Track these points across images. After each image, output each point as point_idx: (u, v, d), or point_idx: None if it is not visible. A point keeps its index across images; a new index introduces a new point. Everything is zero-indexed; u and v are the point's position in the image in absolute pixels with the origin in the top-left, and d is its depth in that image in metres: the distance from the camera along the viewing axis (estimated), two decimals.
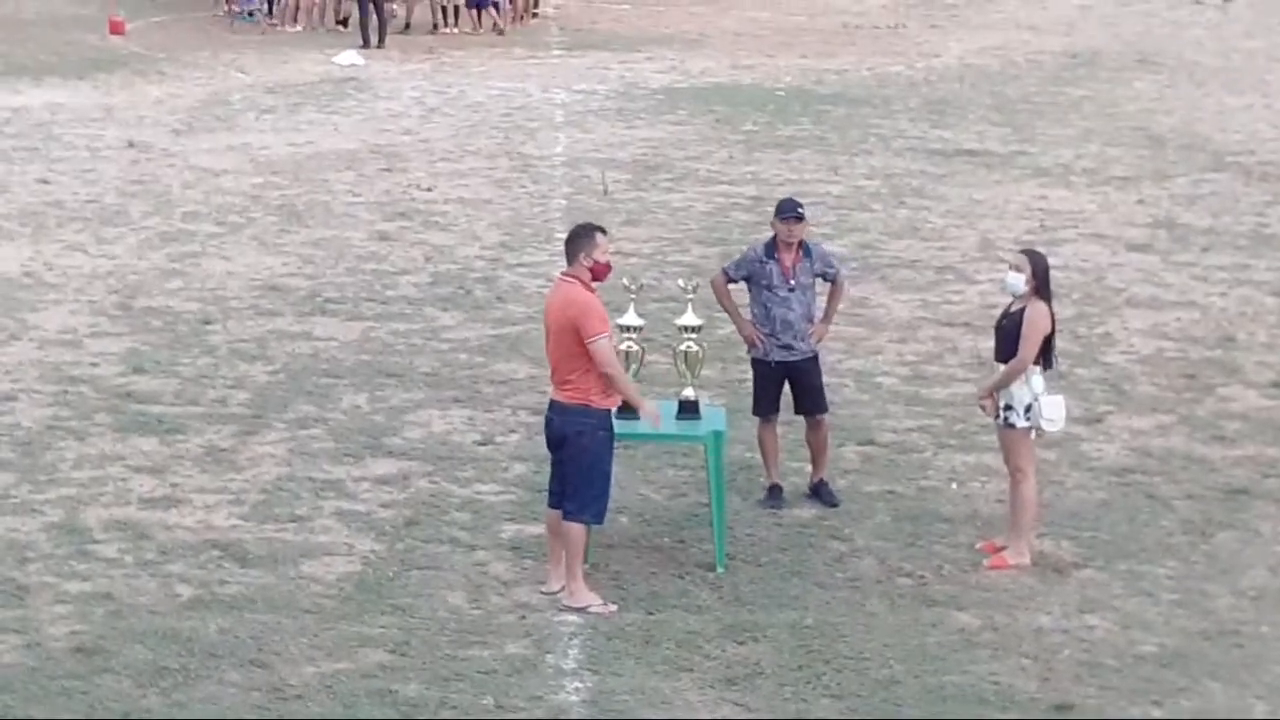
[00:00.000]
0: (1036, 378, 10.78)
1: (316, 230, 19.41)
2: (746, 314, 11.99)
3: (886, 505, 11.87)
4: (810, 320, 11.86)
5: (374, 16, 34.89)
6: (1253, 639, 10.02)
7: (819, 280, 11.98)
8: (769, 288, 11.76)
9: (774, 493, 11.87)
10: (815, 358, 11.98)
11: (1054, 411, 10.85)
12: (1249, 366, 14.94)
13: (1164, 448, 12.99)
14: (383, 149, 23.93)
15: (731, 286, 11.99)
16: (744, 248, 18.48)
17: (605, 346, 10.14)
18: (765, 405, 11.94)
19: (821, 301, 12.08)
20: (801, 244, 11.82)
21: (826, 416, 12.05)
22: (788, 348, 11.81)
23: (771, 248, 11.81)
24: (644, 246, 18.62)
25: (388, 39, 35.63)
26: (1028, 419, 10.79)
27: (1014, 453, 10.91)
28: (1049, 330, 10.81)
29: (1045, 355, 10.87)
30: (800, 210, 11.81)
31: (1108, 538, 11.35)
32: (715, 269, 17.58)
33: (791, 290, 11.74)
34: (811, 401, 11.95)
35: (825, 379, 12.36)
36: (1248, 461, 12.75)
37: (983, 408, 11.18)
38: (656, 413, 10.66)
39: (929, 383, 14.43)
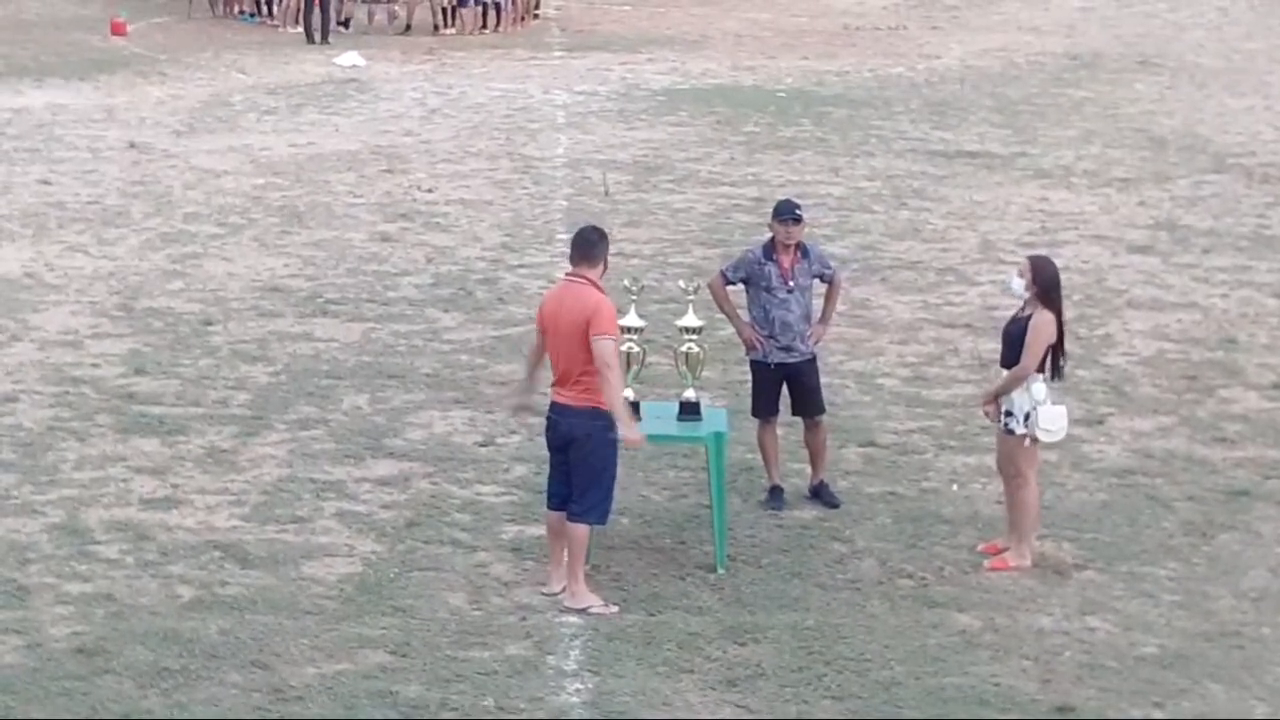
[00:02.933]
0: (1038, 385, 10.76)
1: (318, 231, 19.42)
2: (746, 316, 11.97)
3: (887, 507, 11.87)
4: (809, 321, 11.85)
5: (318, 13, 35.50)
6: (1254, 641, 10.02)
7: (817, 281, 11.95)
8: (768, 289, 11.74)
9: (775, 494, 11.87)
10: (814, 359, 11.97)
11: (1052, 422, 10.78)
12: (1250, 368, 14.94)
13: (1165, 449, 12.98)
14: (384, 150, 23.95)
15: (730, 289, 11.97)
16: (744, 249, 18.64)
17: (609, 347, 10.12)
18: (765, 407, 11.93)
19: (819, 303, 12.06)
20: (799, 245, 11.81)
21: (824, 418, 12.04)
22: (787, 349, 11.79)
23: (770, 249, 11.80)
24: (645, 248, 18.62)
25: (391, 40, 35.76)
26: (1027, 427, 10.78)
27: (1014, 458, 10.89)
28: (1054, 340, 10.77)
29: (1053, 365, 10.84)
30: (798, 212, 11.79)
31: (1109, 539, 11.35)
32: (716, 270, 17.68)
33: (790, 292, 11.72)
34: (809, 403, 11.93)
35: (826, 380, 12.36)
36: (1249, 463, 12.74)
37: (986, 414, 11.17)
38: (640, 439, 10.38)
39: (930, 384, 14.43)
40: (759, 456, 12.11)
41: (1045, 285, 10.83)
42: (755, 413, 12.00)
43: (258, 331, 15.67)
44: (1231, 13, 40.77)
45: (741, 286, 11.93)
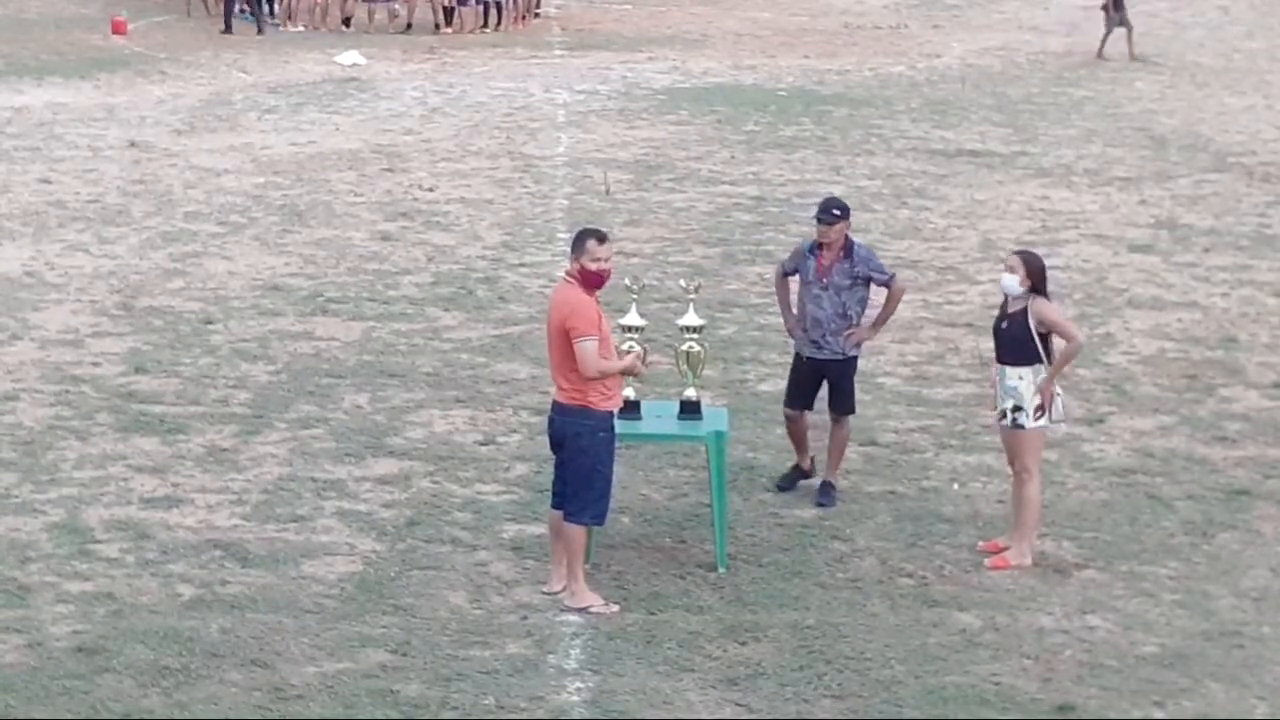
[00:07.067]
0: (1042, 378, 10.78)
1: (318, 230, 19.42)
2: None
3: (888, 505, 11.86)
4: (845, 321, 11.71)
5: (261, 5, 36.24)
6: (1254, 640, 10.01)
7: (867, 284, 11.73)
8: (806, 283, 11.77)
9: (793, 474, 11.90)
10: (847, 360, 11.83)
11: (1066, 408, 10.93)
12: (1251, 367, 14.94)
13: (1165, 448, 12.98)
14: (384, 149, 23.96)
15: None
16: (747, 248, 18.71)
17: (588, 349, 9.97)
18: (793, 397, 11.96)
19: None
20: (846, 245, 11.73)
21: (848, 419, 11.98)
22: (817, 345, 11.78)
23: (816, 244, 11.79)
24: (645, 247, 18.63)
25: (392, 39, 35.79)
26: (1037, 420, 10.78)
27: (1022, 454, 10.89)
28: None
29: (1047, 351, 10.84)
30: (835, 213, 11.65)
31: (1109, 538, 11.35)
32: (717, 269, 17.75)
33: (824, 289, 11.67)
34: (837, 401, 11.92)
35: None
36: (1249, 462, 12.74)
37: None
38: (637, 359, 10.53)
39: (930, 383, 14.43)
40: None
41: (1036, 278, 10.87)
42: (785, 401, 12.03)
43: (258, 330, 15.66)
44: (1232, 12, 40.80)
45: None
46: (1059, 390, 10.86)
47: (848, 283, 11.69)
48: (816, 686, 9.39)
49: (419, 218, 20.00)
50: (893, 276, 11.94)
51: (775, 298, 12.31)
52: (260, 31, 36.11)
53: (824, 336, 11.75)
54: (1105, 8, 33.27)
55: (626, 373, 10.44)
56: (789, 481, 11.96)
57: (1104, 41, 33.08)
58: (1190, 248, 18.95)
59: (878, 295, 11.94)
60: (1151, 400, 14.07)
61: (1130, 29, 33.04)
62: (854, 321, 11.76)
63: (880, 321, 12.00)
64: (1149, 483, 12.30)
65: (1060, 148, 24.42)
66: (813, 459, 12.06)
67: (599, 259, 10.10)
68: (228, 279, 17.33)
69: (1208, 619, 10.24)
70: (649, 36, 36.61)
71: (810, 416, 12.07)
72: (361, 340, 15.39)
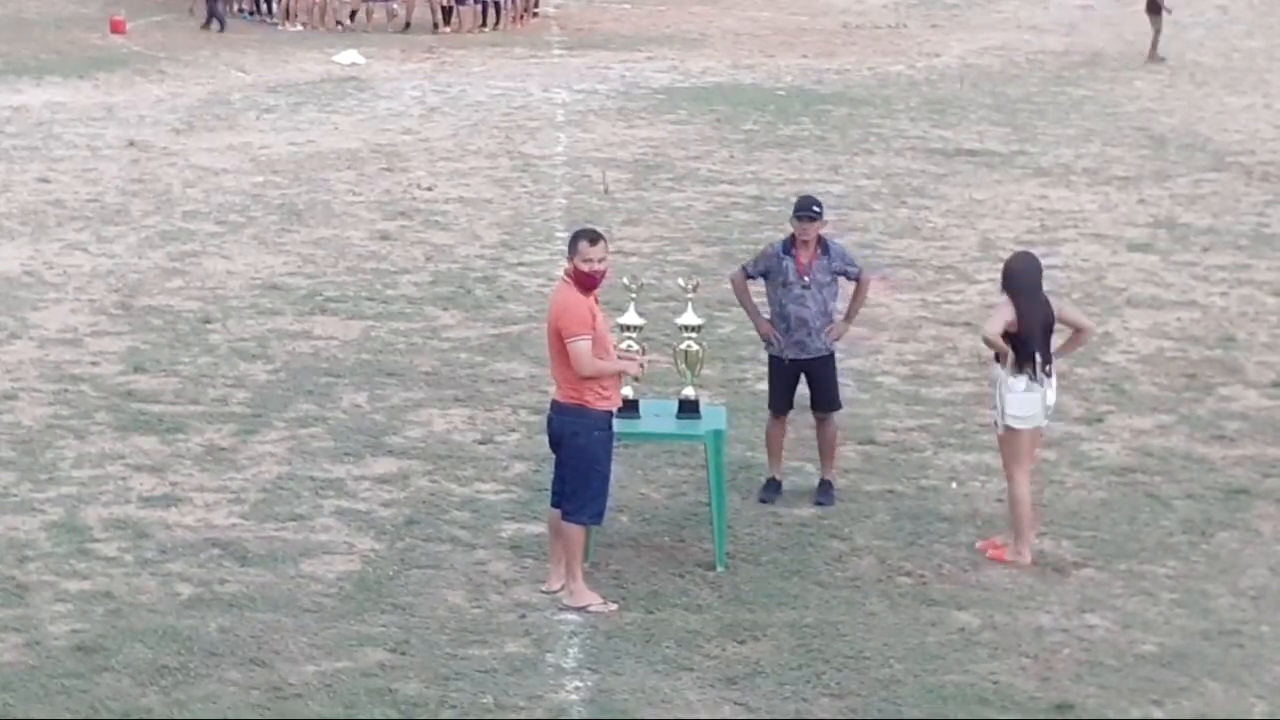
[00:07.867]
0: (1003, 376, 10.74)
1: (317, 229, 19.42)
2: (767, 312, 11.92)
3: (886, 504, 11.86)
4: (827, 318, 11.78)
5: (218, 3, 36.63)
6: (1253, 639, 10.01)
7: (841, 279, 11.82)
8: (784, 284, 11.71)
9: (770, 486, 11.88)
10: (830, 356, 11.89)
11: (1019, 408, 10.74)
12: (1249, 366, 14.94)
13: (1164, 447, 12.98)
14: (383, 148, 23.97)
15: (750, 283, 11.94)
16: (745, 247, 18.68)
17: (581, 349, 9.95)
18: (778, 402, 11.93)
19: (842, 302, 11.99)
20: (821, 242, 11.76)
21: (835, 415, 12.01)
22: (801, 345, 11.76)
23: (789, 245, 11.76)
24: (644, 246, 18.63)
25: (391, 38, 35.84)
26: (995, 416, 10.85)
27: (1001, 452, 10.95)
28: (1010, 319, 10.68)
29: (1020, 354, 10.73)
30: (816, 210, 11.71)
31: (1108, 537, 11.35)
32: (716, 268, 17.72)
33: (806, 288, 11.67)
34: (823, 399, 11.92)
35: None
36: (1248, 461, 12.74)
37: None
38: (638, 363, 10.51)
39: (929, 382, 14.43)
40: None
41: (1003, 278, 10.87)
42: (770, 406, 12.00)
43: (257, 329, 15.66)
44: (1232, 11, 40.84)
45: (762, 281, 11.89)
46: (991, 387, 10.78)
47: (828, 279, 11.74)
48: (815, 685, 9.38)
49: (418, 217, 20.00)
50: (861, 269, 12.03)
51: (741, 304, 12.14)
52: (208, 25, 36.38)
53: (809, 336, 11.74)
54: (1154, 9, 33.24)
55: (622, 374, 10.43)
56: (770, 494, 11.92)
57: (1155, 43, 33.13)
58: (1189, 247, 18.96)
59: (844, 289, 11.96)
60: (1150, 399, 14.08)
61: (1158, 32, 33.11)
62: (833, 317, 11.80)
63: (854, 313, 12.03)
64: (1148, 482, 12.30)
65: (1059, 147, 24.43)
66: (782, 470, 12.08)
67: (590, 260, 10.08)
68: (226, 278, 17.34)
69: (1206, 618, 10.24)
70: (648, 36, 36.63)
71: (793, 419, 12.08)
72: (360, 339, 15.39)
